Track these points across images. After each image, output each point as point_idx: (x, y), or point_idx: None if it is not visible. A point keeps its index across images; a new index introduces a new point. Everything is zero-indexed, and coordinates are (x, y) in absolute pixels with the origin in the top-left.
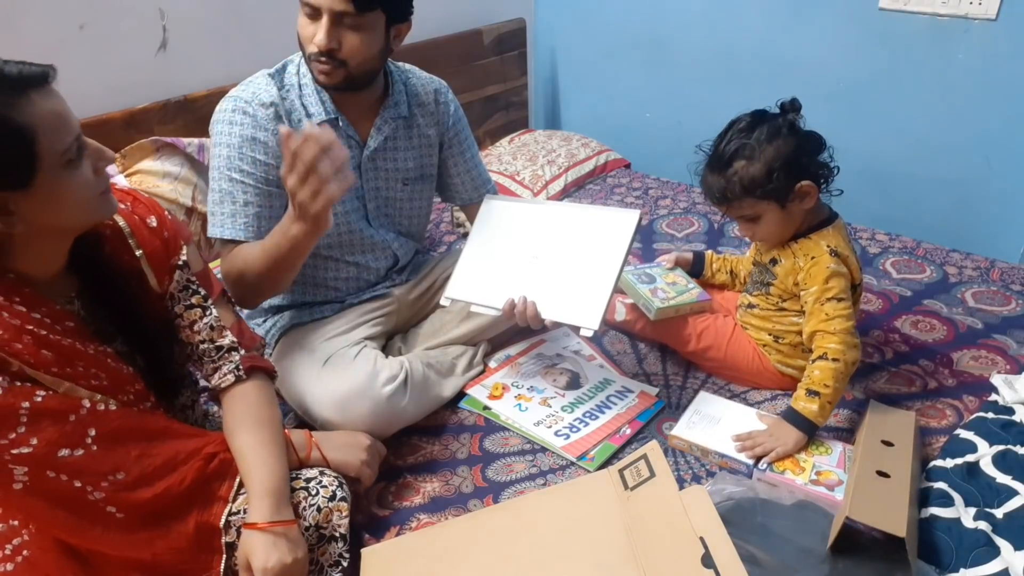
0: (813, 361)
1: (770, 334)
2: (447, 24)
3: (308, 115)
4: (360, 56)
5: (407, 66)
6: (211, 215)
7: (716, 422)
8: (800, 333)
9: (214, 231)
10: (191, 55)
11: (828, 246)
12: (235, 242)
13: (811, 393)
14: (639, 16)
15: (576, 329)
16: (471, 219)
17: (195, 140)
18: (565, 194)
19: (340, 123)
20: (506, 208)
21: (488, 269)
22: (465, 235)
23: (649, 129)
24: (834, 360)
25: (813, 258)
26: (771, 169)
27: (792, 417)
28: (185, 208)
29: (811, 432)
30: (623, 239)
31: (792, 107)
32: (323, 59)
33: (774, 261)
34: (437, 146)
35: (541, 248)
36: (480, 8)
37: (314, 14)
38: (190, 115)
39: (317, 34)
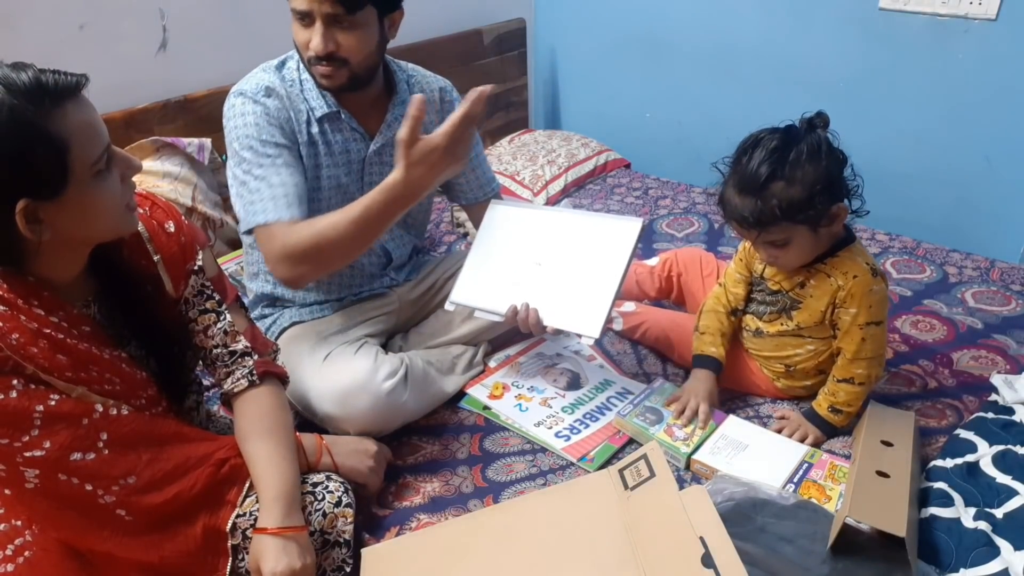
0: (838, 380)
1: (782, 363)
2: (447, 24)
3: (311, 108)
4: (360, 54)
5: (411, 66)
6: (248, 205)
7: (743, 448)
8: (812, 358)
9: (257, 219)
10: (191, 55)
11: (867, 263)
12: (276, 225)
13: (835, 410)
14: (639, 16)
15: (578, 337)
16: (473, 219)
17: (195, 140)
18: (565, 194)
19: (342, 116)
20: (511, 213)
21: (491, 275)
22: (465, 235)
23: (649, 129)
24: (860, 384)
25: (855, 277)
26: (812, 193)
27: (815, 419)
28: (185, 208)
29: (832, 434)
30: (626, 247)
31: (822, 122)
32: (324, 62)
33: (803, 285)
34: None
35: (544, 254)
36: (480, 8)
37: (305, 19)
38: (190, 115)
39: (313, 39)
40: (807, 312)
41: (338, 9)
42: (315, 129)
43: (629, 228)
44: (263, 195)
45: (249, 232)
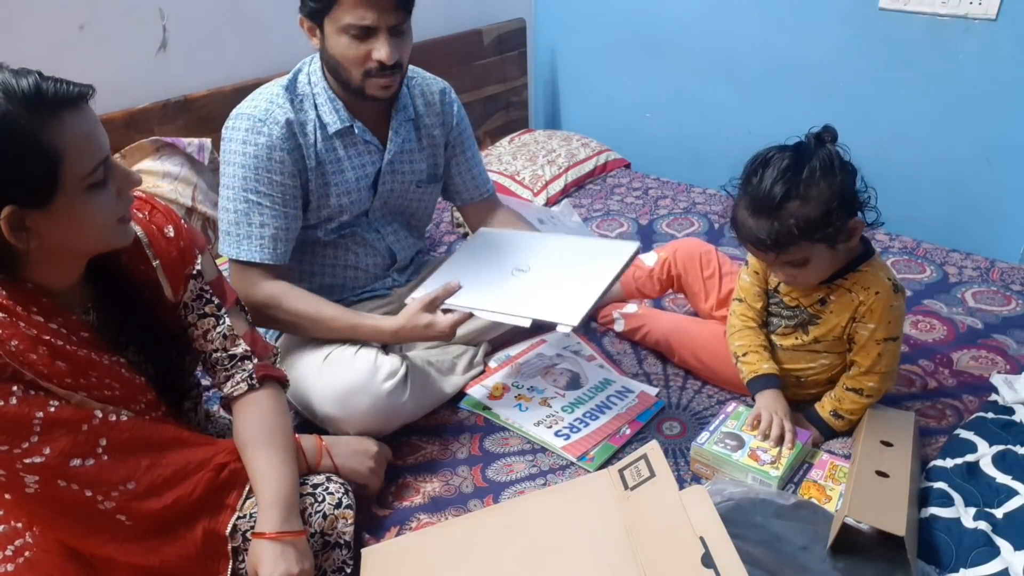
0: (847, 389)
1: (794, 375)
2: (447, 24)
3: (322, 124)
4: (408, 56)
5: (409, 66)
6: (224, 234)
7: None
8: (825, 372)
9: (229, 251)
10: (191, 55)
11: (889, 279)
12: (251, 264)
13: (836, 415)
14: (639, 16)
15: (553, 326)
16: (468, 220)
17: (195, 140)
18: (565, 194)
19: (355, 129)
20: (499, 235)
21: (465, 277)
22: (465, 235)
23: (649, 129)
24: (868, 396)
25: (878, 292)
26: (828, 209)
27: (815, 420)
28: (185, 208)
29: (830, 436)
30: (617, 261)
31: (830, 136)
32: (387, 73)
33: (823, 301)
34: (443, 146)
35: (529, 264)
36: (480, 8)
37: (364, 34)
38: (190, 115)
39: (380, 50)
40: (825, 327)
41: (403, 17)
42: (323, 147)
43: (624, 247)
44: (240, 231)
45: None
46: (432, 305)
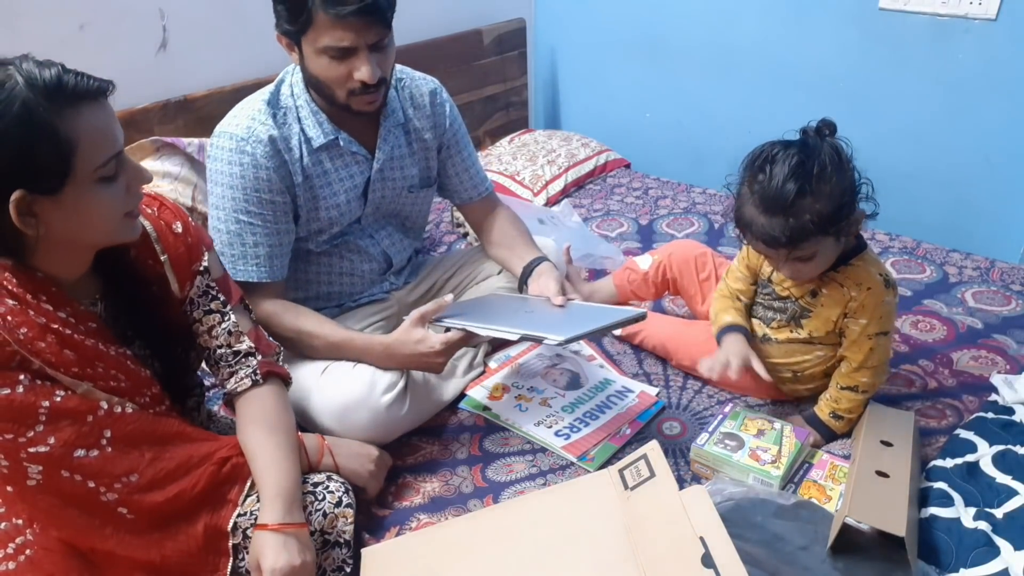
0: (841, 388)
1: (790, 370)
2: (447, 24)
3: (307, 139)
4: (392, 68)
5: (399, 67)
6: (219, 254)
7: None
8: (820, 364)
9: (228, 271)
10: (191, 55)
11: (880, 274)
12: (248, 283)
13: (836, 416)
14: (639, 16)
15: (540, 340)
16: (468, 219)
17: (195, 140)
18: (565, 194)
19: (340, 142)
20: (514, 295)
21: (470, 311)
22: (465, 235)
23: (649, 129)
24: (863, 392)
25: (869, 289)
26: (841, 203)
27: (816, 423)
28: (185, 208)
29: (832, 438)
30: (620, 313)
31: (830, 129)
32: (371, 90)
33: (814, 293)
34: (435, 149)
35: (535, 307)
36: (480, 8)
37: (343, 54)
38: (190, 115)
39: (361, 71)
40: (818, 321)
41: (383, 33)
42: (309, 161)
43: (631, 311)
44: (235, 252)
45: None
46: (423, 319)
